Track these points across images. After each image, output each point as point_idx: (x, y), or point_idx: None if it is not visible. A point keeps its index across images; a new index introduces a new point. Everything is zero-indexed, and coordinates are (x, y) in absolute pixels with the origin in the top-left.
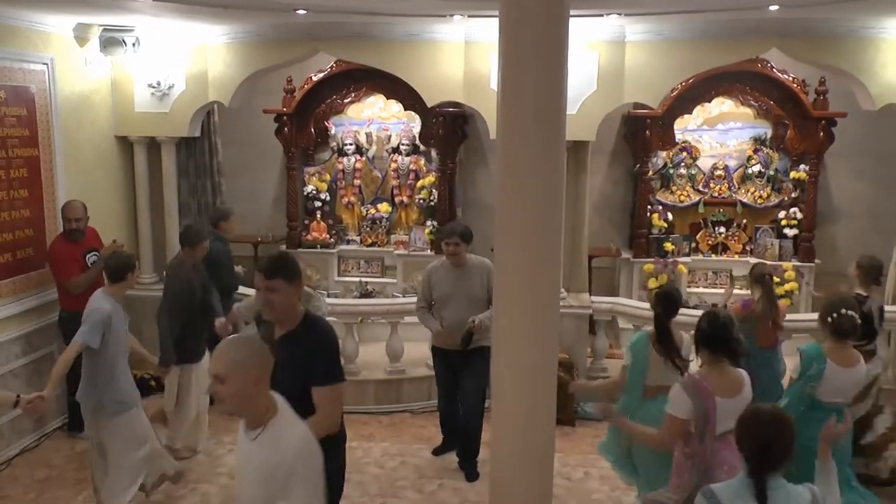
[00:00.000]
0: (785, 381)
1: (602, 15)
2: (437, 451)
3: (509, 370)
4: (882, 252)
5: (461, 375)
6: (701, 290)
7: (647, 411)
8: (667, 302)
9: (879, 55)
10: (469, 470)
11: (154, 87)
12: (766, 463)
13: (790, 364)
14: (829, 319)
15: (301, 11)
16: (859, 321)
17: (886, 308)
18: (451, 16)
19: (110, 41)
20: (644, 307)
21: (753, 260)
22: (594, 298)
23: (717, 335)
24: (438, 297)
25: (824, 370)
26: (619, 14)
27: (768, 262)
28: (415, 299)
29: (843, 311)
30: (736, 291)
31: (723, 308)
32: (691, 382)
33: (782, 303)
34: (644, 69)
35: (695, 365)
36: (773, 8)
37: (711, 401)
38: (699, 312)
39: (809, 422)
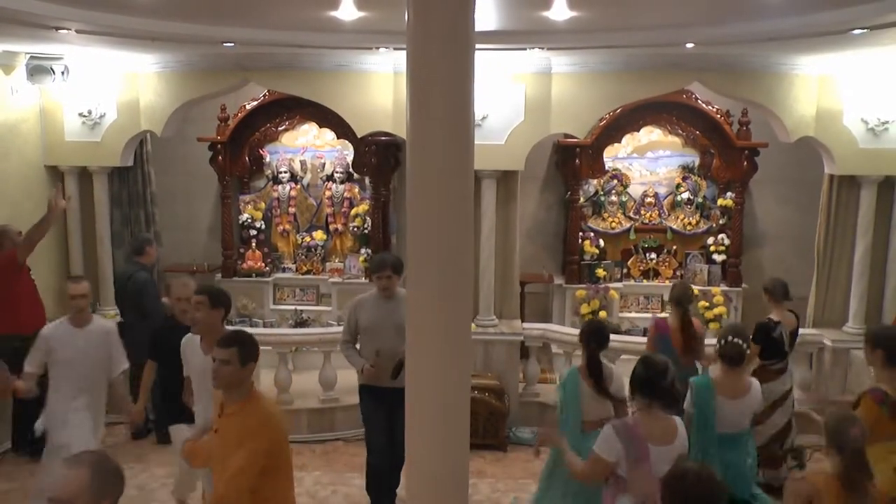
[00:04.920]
0: None
1: (525, 48)
2: None
3: (422, 397)
4: (803, 273)
5: (397, 415)
6: (633, 314)
7: (587, 445)
8: (599, 336)
9: (793, 90)
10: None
11: (85, 116)
12: None
13: None
14: (719, 345)
15: (229, 44)
16: (744, 349)
17: (807, 331)
18: (378, 48)
19: (38, 69)
20: (575, 333)
21: None
22: (525, 325)
23: (651, 380)
24: (366, 326)
25: (715, 406)
26: (541, 48)
27: (694, 286)
28: None
29: (731, 338)
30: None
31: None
32: (623, 426)
33: (696, 321)
34: (570, 100)
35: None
36: (689, 45)
37: (644, 448)
38: (631, 338)
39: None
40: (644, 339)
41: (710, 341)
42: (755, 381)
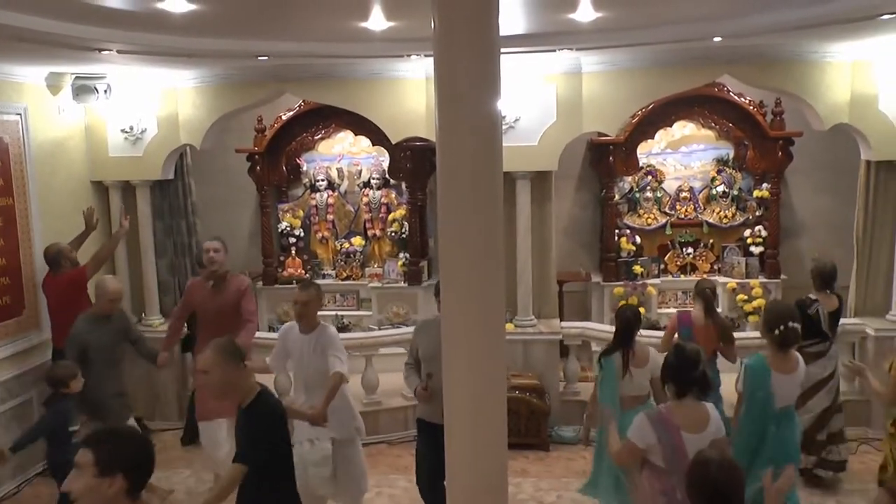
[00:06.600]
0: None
1: (554, 50)
2: None
3: (457, 398)
4: (843, 261)
5: None
6: (671, 310)
7: (626, 421)
8: (624, 318)
9: (825, 77)
10: None
11: (127, 132)
12: None
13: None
14: (777, 332)
15: (263, 58)
16: (799, 332)
17: (849, 320)
18: (409, 56)
19: (82, 89)
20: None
21: (722, 279)
22: (564, 323)
23: (683, 368)
24: (426, 354)
25: (771, 383)
26: (569, 49)
27: (733, 279)
28: (390, 331)
29: (789, 324)
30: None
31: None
32: (657, 415)
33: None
34: (601, 98)
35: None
36: (717, 39)
37: (678, 435)
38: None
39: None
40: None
41: (749, 334)
42: (800, 357)
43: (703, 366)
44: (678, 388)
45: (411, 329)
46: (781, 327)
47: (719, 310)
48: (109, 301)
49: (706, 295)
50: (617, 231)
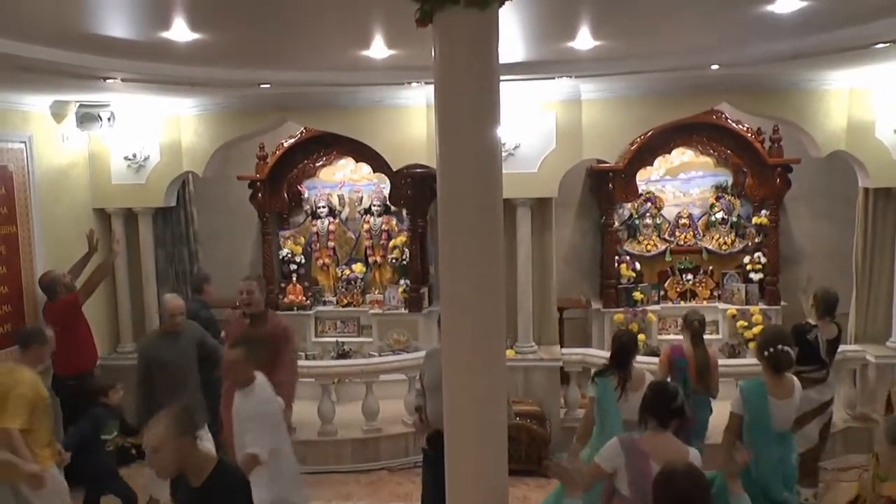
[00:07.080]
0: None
1: (553, 77)
2: None
3: (459, 424)
4: (843, 288)
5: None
6: (671, 336)
7: None
8: (618, 343)
9: (822, 105)
10: None
11: (130, 160)
12: None
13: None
14: (766, 354)
15: (265, 86)
16: (794, 356)
17: (849, 347)
18: (410, 83)
19: (86, 117)
20: None
21: (722, 305)
22: (564, 350)
23: (661, 405)
24: (428, 384)
25: (768, 407)
26: (568, 77)
27: (732, 306)
28: (390, 358)
29: (780, 346)
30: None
31: None
32: (628, 439)
33: (712, 351)
34: (600, 126)
35: None
36: (714, 67)
37: (647, 463)
38: None
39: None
40: None
41: (748, 361)
42: (796, 380)
43: (680, 401)
44: (658, 422)
45: (412, 356)
46: (771, 349)
47: (719, 336)
48: (171, 317)
49: (693, 327)
50: (617, 258)
